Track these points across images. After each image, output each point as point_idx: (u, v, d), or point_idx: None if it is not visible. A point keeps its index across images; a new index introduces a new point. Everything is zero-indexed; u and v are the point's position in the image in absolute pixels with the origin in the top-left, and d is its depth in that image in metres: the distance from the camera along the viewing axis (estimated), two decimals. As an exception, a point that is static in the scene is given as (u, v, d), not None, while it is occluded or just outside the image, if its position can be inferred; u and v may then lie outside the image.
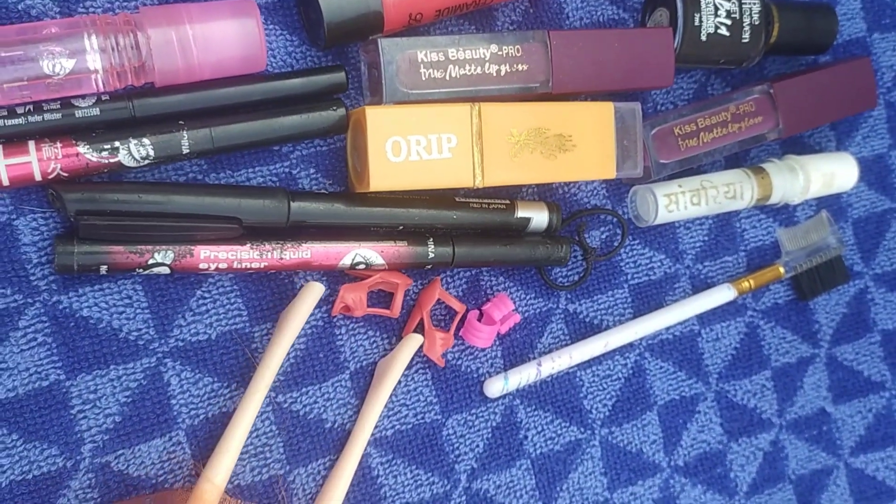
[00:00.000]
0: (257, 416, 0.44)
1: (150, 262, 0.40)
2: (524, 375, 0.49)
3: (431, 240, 0.45)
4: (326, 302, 0.45)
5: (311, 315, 0.45)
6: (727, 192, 0.51)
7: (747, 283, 0.54)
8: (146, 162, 0.40)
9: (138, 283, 0.42)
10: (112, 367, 0.42)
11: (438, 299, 0.47)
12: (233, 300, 0.44)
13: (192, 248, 0.41)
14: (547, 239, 0.48)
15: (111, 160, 0.39)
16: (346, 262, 0.44)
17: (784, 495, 0.58)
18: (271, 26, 0.44)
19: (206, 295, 0.43)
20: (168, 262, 0.40)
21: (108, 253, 0.39)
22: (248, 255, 0.42)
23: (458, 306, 0.47)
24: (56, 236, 0.40)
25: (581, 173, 0.46)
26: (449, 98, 0.44)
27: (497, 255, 0.47)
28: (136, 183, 0.41)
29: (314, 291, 0.43)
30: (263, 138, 0.42)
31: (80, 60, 0.37)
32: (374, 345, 0.47)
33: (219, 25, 0.39)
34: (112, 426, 0.42)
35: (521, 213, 0.47)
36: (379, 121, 0.42)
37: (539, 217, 0.48)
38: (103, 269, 0.40)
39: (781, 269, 0.55)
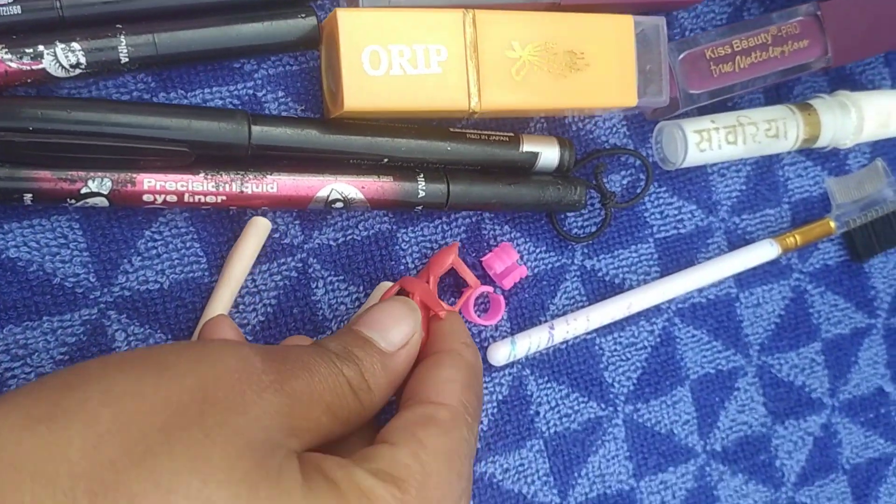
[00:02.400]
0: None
1: (84, 190, 0.34)
2: (534, 340, 0.42)
3: (422, 175, 0.39)
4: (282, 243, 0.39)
5: (284, 266, 0.39)
6: (769, 129, 0.45)
7: (793, 239, 0.47)
8: (77, 71, 0.34)
9: (75, 220, 0.36)
10: (45, 318, 0.35)
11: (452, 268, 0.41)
12: (188, 244, 0.37)
13: (135, 176, 0.34)
14: (558, 179, 0.42)
15: (35, 67, 0.33)
16: (321, 198, 0.37)
17: (837, 487, 0.50)
18: (231, -76, 0.38)
19: (157, 236, 0.37)
20: (105, 192, 0.34)
21: (33, 178, 0.33)
22: (201, 187, 0.35)
23: (473, 281, 0.40)
24: (-28, 160, 0.34)
25: (597, 98, 0.40)
26: (440, 4, 0.37)
27: (500, 196, 0.40)
28: (66, 98, 0.35)
29: (258, 229, 0.37)
30: (217, 49, 0.35)
31: (-9, -57, 0.31)
32: (356, 301, 0.40)
33: None
34: (43, 389, 0.35)
35: (527, 146, 0.41)
36: (353, 25, 0.35)
37: (549, 153, 0.41)
38: (27, 197, 0.33)
39: (832, 224, 0.48)
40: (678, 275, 0.45)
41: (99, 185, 0.34)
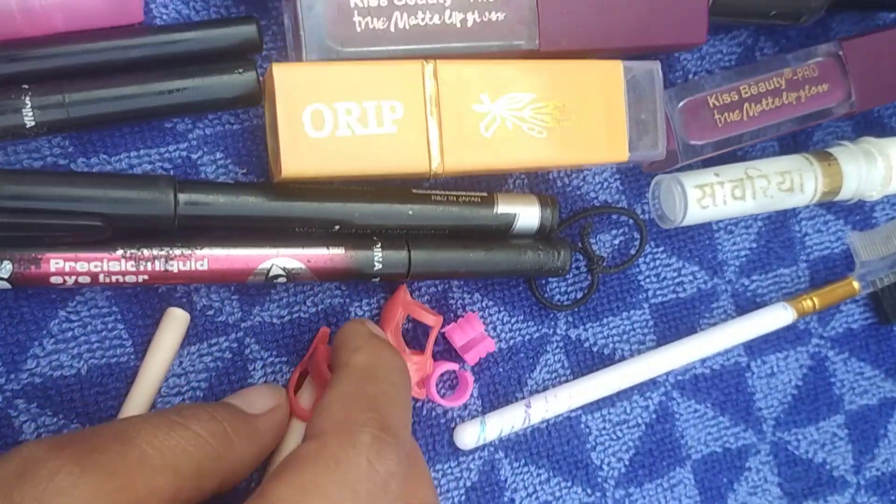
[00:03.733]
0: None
1: (-19, 274, 0.30)
2: (508, 420, 0.37)
3: (379, 244, 0.34)
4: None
5: (216, 347, 0.34)
6: (782, 182, 0.39)
7: (810, 302, 0.42)
8: (-25, 137, 0.30)
9: (-23, 301, 0.32)
10: (-54, 410, 0.32)
11: (407, 315, 0.36)
12: (111, 325, 0.33)
13: (39, 256, 0.30)
14: (539, 243, 0.37)
15: (-78, 133, 0.29)
16: (260, 273, 0.33)
17: (861, 574, 0.45)
18: (160, -38, 0.33)
19: (73, 317, 0.33)
20: (6, 276, 0.30)
21: (-79, 262, 0.29)
22: (119, 266, 0.31)
23: (432, 319, 0.35)
24: None
25: (582, 154, 0.35)
26: (397, 57, 0.33)
27: (470, 264, 0.36)
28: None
29: (174, 321, 0.33)
30: (140, 109, 0.31)
31: None
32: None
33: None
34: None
35: (502, 207, 0.36)
36: (292, 82, 0.31)
37: (528, 213, 0.36)
38: (-85, 283, 0.30)
39: (856, 284, 0.43)
40: (675, 344, 0.40)
41: (-2, 268, 0.30)
